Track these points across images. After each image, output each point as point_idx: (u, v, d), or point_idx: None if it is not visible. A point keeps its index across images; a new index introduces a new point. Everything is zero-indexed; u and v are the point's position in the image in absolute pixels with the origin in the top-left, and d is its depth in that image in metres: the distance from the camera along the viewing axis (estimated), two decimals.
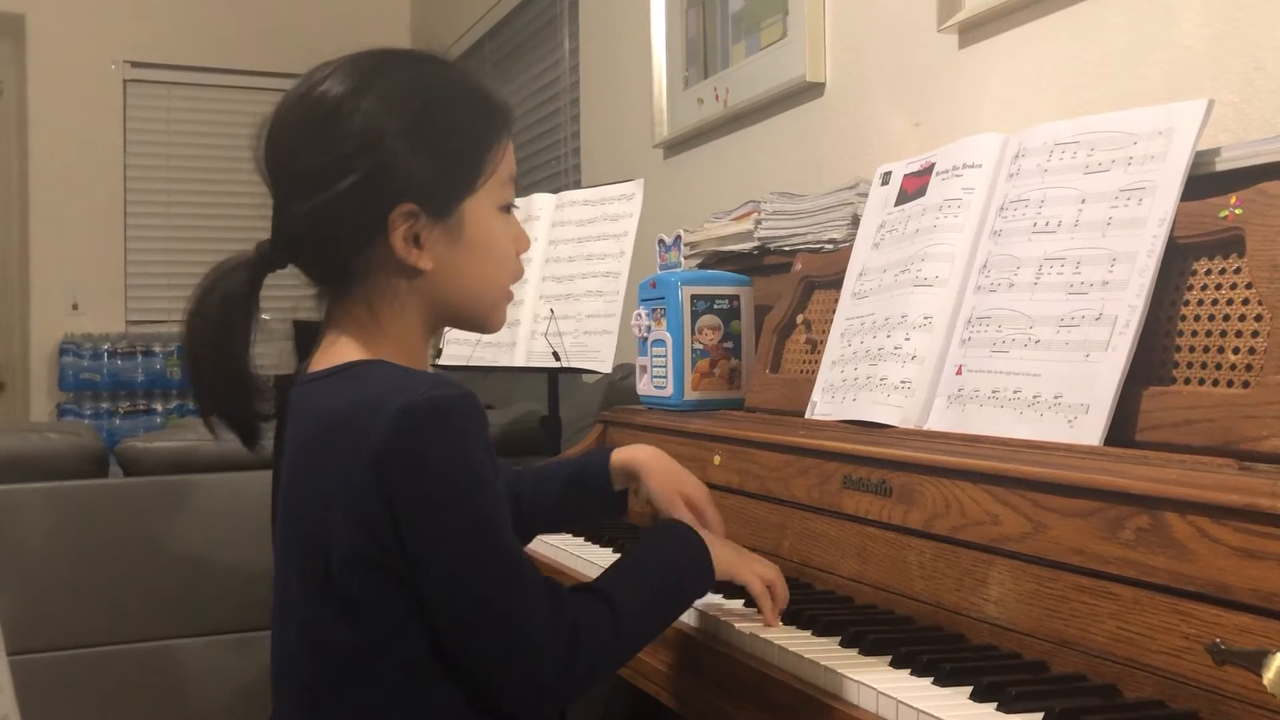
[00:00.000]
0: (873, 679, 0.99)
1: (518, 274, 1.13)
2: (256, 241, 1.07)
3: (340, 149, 1.00)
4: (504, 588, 0.97)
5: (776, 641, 1.13)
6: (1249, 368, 1.05)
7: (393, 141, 1.01)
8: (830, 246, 1.74)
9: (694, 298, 1.78)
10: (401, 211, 1.01)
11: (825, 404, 1.50)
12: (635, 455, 1.32)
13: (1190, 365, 1.11)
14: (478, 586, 0.96)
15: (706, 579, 1.13)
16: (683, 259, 1.89)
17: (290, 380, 1.08)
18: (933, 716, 0.91)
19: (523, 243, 1.13)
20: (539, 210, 2.35)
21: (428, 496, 0.95)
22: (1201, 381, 1.09)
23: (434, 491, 0.95)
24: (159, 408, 5.02)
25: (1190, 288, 1.12)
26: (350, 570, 0.97)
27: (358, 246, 1.03)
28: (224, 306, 1.04)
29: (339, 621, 0.98)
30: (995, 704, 0.92)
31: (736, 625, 1.19)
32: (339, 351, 1.05)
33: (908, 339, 1.37)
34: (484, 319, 1.12)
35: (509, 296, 1.13)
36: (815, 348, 1.66)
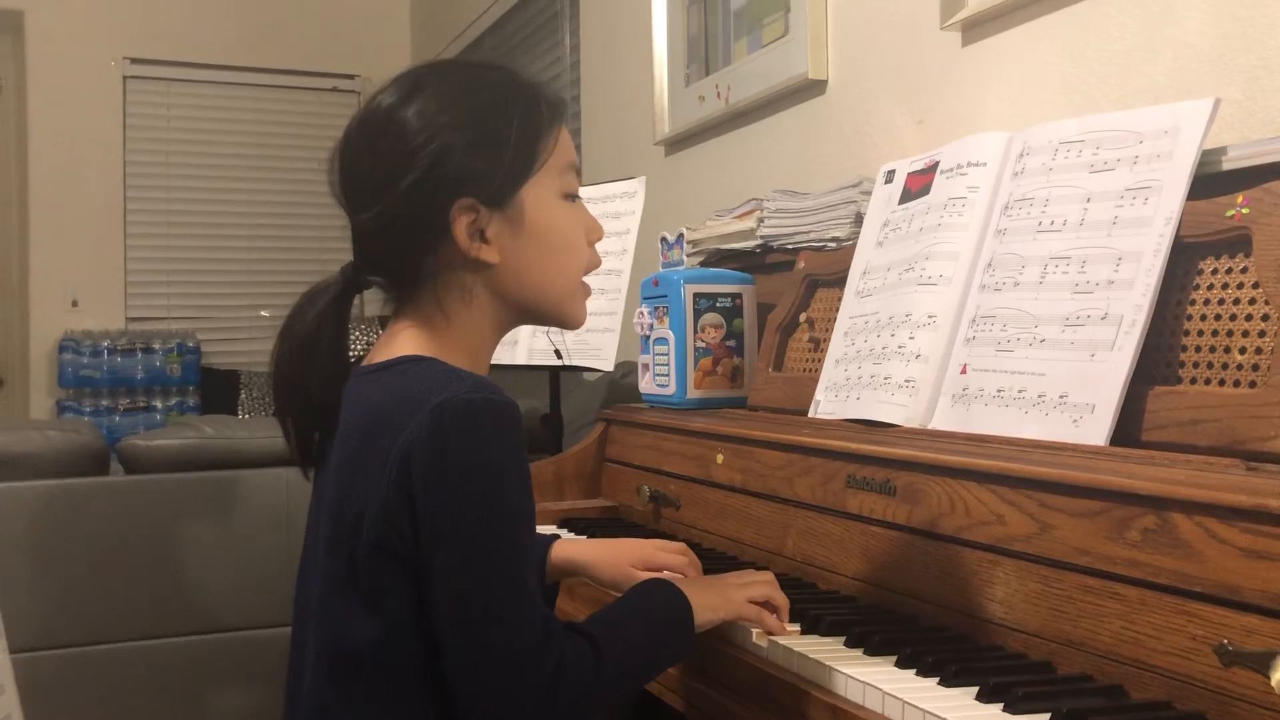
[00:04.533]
0: (878, 679, 0.99)
1: (593, 263, 1.13)
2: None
3: (395, 153, 1.03)
4: (501, 598, 0.96)
5: (781, 642, 1.12)
6: (1255, 367, 1.05)
7: (444, 138, 1.02)
8: (833, 245, 1.73)
9: (696, 296, 1.78)
10: (461, 205, 1.03)
11: (829, 403, 1.49)
12: (573, 553, 1.30)
13: (1196, 365, 1.10)
14: (476, 591, 0.95)
15: (687, 637, 1.11)
16: (685, 257, 1.88)
17: (346, 372, 1.08)
18: (938, 717, 0.90)
19: (595, 232, 1.13)
20: None
21: (443, 492, 0.95)
22: (1208, 381, 1.09)
23: (450, 488, 0.95)
24: (159, 405, 5.01)
25: (1196, 287, 1.12)
26: (372, 559, 0.97)
27: (424, 247, 1.04)
28: (309, 332, 1.07)
29: (356, 612, 0.98)
30: (1001, 704, 0.92)
31: (740, 624, 1.18)
32: (397, 345, 1.06)
33: (912, 338, 1.36)
34: (559, 312, 1.11)
35: (584, 288, 1.13)
36: (818, 346, 1.66)
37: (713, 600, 1.14)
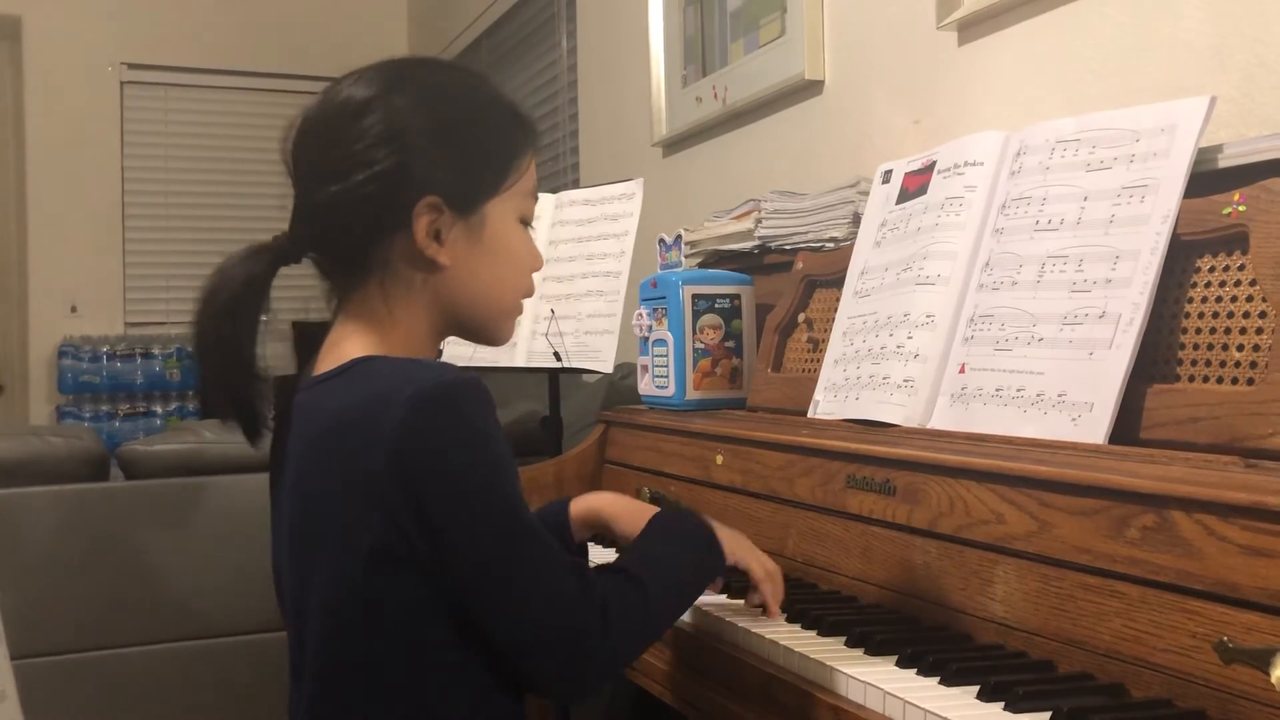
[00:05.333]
0: (879, 678, 0.99)
1: (529, 290, 1.14)
2: (271, 234, 1.08)
3: (369, 140, 1.03)
4: (537, 566, 0.97)
5: (781, 641, 1.12)
6: (1253, 365, 1.05)
7: (421, 137, 1.03)
8: (831, 245, 1.74)
9: (695, 297, 1.78)
10: (426, 203, 1.03)
11: (828, 403, 1.49)
12: (595, 504, 1.29)
13: (1194, 363, 1.10)
14: (514, 567, 0.96)
15: (718, 557, 1.15)
16: (683, 258, 1.88)
17: (292, 383, 1.08)
18: (939, 716, 0.91)
19: (537, 261, 1.14)
20: (539, 210, 2.34)
21: (453, 485, 0.95)
22: (1206, 379, 1.09)
23: (458, 479, 0.96)
24: (159, 410, 5.01)
25: (1194, 285, 1.12)
26: (373, 567, 0.96)
27: (379, 236, 1.04)
28: (236, 294, 1.05)
29: (358, 620, 0.98)
30: (1002, 703, 0.92)
31: (740, 625, 1.19)
32: (344, 350, 1.05)
33: (910, 337, 1.36)
34: (493, 328, 1.13)
35: (519, 310, 1.14)
36: (817, 346, 1.66)
37: (731, 541, 1.18)
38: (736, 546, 1.19)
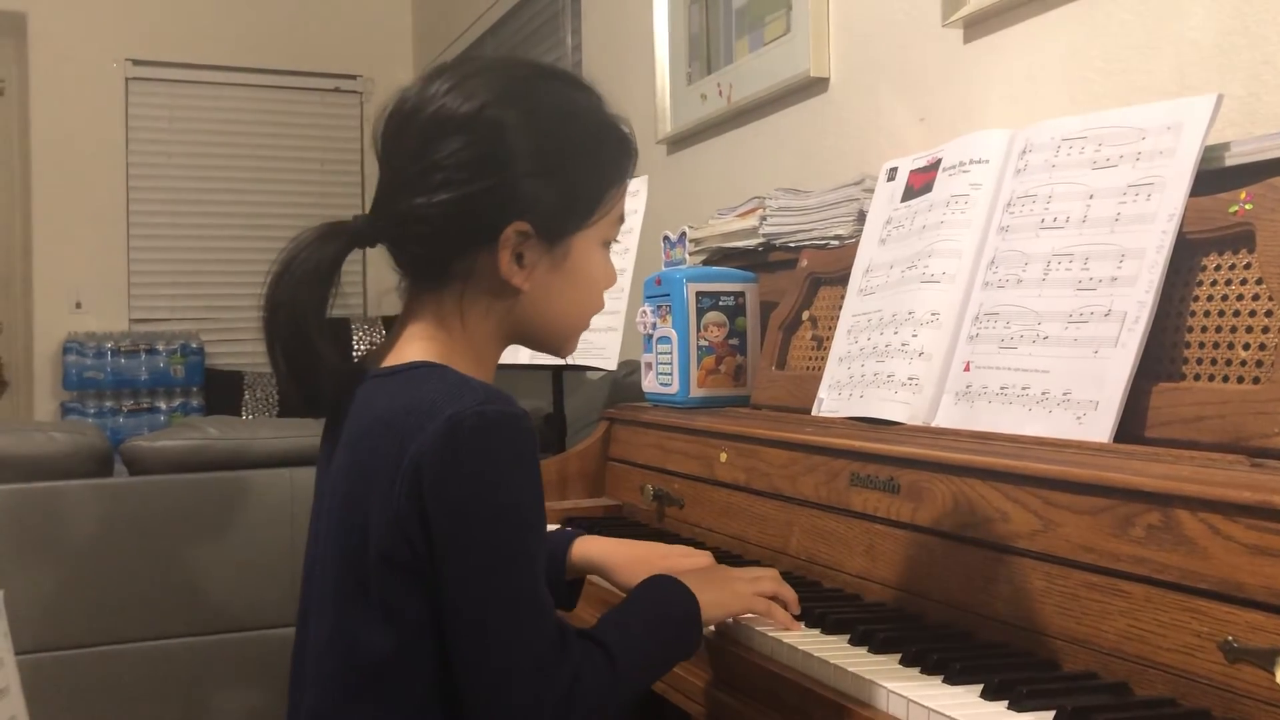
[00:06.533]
0: (882, 677, 0.99)
1: (600, 308, 1.13)
2: (284, 230, 1.07)
3: (467, 156, 1.00)
4: (515, 613, 0.95)
5: (785, 640, 1.12)
6: (1259, 364, 1.04)
7: (524, 160, 1.01)
8: (836, 243, 1.73)
9: (699, 294, 1.78)
10: (516, 229, 1.01)
11: (832, 401, 1.49)
12: (594, 555, 1.27)
13: (1200, 361, 1.10)
14: (489, 605, 0.94)
15: (695, 634, 1.11)
16: (687, 256, 1.89)
17: (359, 371, 1.06)
18: (943, 715, 0.90)
19: (612, 280, 1.13)
20: None
21: (456, 506, 0.94)
22: (1212, 378, 1.09)
23: (463, 502, 0.94)
24: (163, 406, 5.02)
25: (1200, 283, 1.12)
26: (383, 571, 0.96)
27: (463, 249, 1.03)
28: (309, 272, 1.03)
29: (369, 622, 0.97)
30: (1006, 702, 0.92)
31: (743, 622, 1.18)
32: (410, 349, 1.04)
33: (915, 335, 1.36)
34: (559, 344, 1.12)
35: (587, 327, 1.13)
36: (821, 344, 1.66)
37: (721, 597, 1.14)
38: (725, 602, 1.15)
